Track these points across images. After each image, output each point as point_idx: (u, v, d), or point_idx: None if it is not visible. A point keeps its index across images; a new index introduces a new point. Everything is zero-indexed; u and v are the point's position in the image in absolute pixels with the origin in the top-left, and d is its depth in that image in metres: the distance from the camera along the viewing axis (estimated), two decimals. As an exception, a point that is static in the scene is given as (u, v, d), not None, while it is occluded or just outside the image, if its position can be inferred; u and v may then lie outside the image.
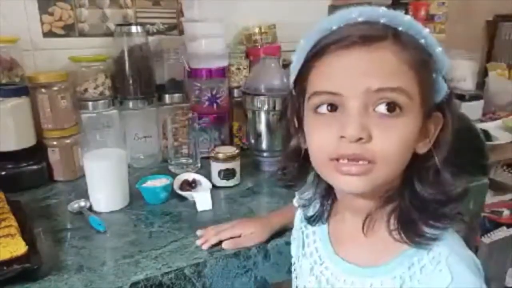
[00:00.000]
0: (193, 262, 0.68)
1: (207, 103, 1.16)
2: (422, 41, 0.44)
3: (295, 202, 0.64)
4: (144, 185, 0.92)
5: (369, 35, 0.43)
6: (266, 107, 1.09)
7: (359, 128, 0.42)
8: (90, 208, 0.87)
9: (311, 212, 0.59)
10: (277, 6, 1.39)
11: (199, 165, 1.10)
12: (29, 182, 0.98)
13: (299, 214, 0.64)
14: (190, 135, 1.09)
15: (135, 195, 0.92)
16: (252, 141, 1.14)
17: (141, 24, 1.13)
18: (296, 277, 0.61)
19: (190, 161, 1.09)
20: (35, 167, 1.00)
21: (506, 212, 1.41)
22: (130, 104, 1.13)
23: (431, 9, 1.59)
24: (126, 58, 1.10)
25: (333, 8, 1.46)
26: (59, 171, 1.03)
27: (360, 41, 0.43)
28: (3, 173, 0.95)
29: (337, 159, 0.45)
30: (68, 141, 1.04)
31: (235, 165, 0.99)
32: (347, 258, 0.52)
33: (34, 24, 1.10)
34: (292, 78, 0.52)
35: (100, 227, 0.79)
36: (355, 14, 0.44)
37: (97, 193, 0.88)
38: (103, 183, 0.87)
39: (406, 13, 1.28)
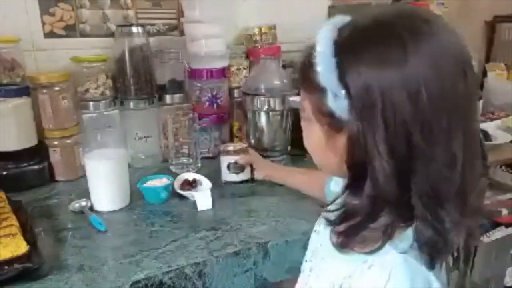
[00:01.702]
0: (194, 262, 0.69)
1: (207, 103, 1.16)
2: (314, 59, 0.44)
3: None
4: (144, 184, 0.92)
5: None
6: (266, 107, 1.09)
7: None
8: (91, 208, 0.88)
9: None
10: (277, 7, 1.39)
11: (199, 165, 1.11)
12: (30, 182, 0.99)
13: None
14: (190, 135, 1.09)
15: (135, 194, 0.92)
16: (252, 141, 1.15)
17: (142, 25, 1.13)
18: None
19: (191, 161, 1.10)
20: (36, 167, 1.00)
21: (505, 212, 1.41)
22: (131, 104, 1.13)
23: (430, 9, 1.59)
24: (127, 58, 1.10)
25: (333, 9, 1.46)
26: (60, 171, 1.04)
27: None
28: (4, 173, 0.96)
29: None
30: (69, 141, 1.04)
31: None
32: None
33: (35, 24, 1.10)
34: None
35: (101, 226, 0.80)
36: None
37: (98, 193, 0.88)
38: (104, 182, 0.87)
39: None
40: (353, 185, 0.45)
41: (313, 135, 0.49)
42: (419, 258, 0.44)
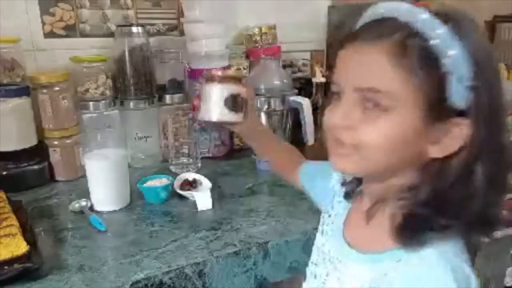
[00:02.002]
0: (194, 261, 0.69)
1: (207, 103, 1.16)
2: (435, 41, 0.42)
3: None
4: (144, 184, 0.92)
5: (375, 32, 0.44)
6: (266, 107, 1.09)
7: (343, 116, 0.46)
8: (91, 208, 0.88)
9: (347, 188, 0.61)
10: (277, 7, 1.39)
11: (199, 165, 1.11)
12: (30, 182, 0.99)
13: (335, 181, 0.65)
14: (190, 135, 1.09)
15: (135, 194, 0.92)
16: (252, 141, 1.14)
17: (142, 25, 1.13)
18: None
19: (191, 161, 1.10)
20: (36, 167, 1.00)
21: (505, 212, 1.42)
22: (131, 104, 1.13)
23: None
24: (127, 58, 1.10)
25: (333, 9, 1.46)
26: (60, 171, 1.04)
27: (366, 37, 0.45)
28: (4, 173, 0.96)
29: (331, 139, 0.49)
30: (69, 141, 1.04)
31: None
32: (349, 240, 0.54)
33: (35, 24, 1.10)
34: None
35: (101, 226, 0.80)
36: (380, 9, 0.46)
37: (98, 193, 0.88)
38: (104, 182, 0.87)
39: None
40: (430, 182, 0.45)
41: (390, 127, 0.44)
42: (459, 255, 0.45)
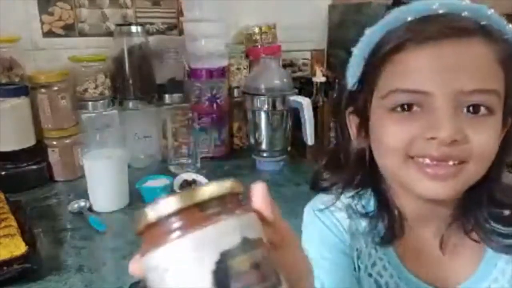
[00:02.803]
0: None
1: (207, 103, 1.16)
2: (507, 37, 0.40)
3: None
4: (144, 185, 0.92)
5: (460, 27, 0.39)
6: (266, 107, 1.09)
7: (454, 130, 0.38)
8: (90, 208, 0.87)
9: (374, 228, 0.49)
10: (277, 6, 1.39)
11: (199, 165, 1.10)
12: (29, 182, 0.98)
13: (345, 224, 0.51)
14: (190, 135, 1.09)
15: (135, 195, 0.92)
16: (252, 141, 1.14)
17: (141, 24, 1.13)
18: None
19: (190, 161, 1.09)
20: (35, 167, 0.99)
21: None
22: (130, 104, 1.13)
23: (431, 9, 1.59)
24: (126, 58, 1.10)
25: (333, 8, 1.46)
26: (59, 171, 1.03)
27: (450, 34, 0.39)
28: (3, 173, 0.95)
29: (417, 157, 0.41)
30: (68, 141, 1.03)
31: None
32: (421, 276, 0.47)
33: (34, 24, 1.10)
34: (355, 73, 0.47)
35: (100, 227, 0.79)
36: (436, 5, 0.40)
37: (97, 193, 0.88)
38: (103, 183, 0.87)
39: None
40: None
41: (496, 127, 0.41)
42: None
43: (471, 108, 0.39)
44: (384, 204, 0.48)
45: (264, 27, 1.33)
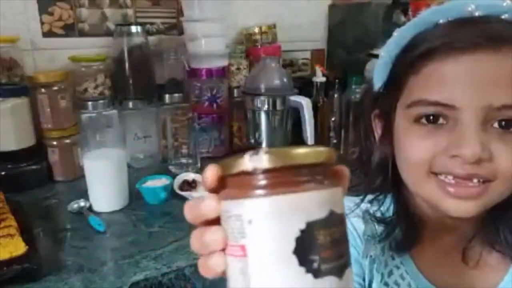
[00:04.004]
0: (193, 262, 0.68)
1: (207, 103, 1.16)
2: None
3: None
4: (144, 185, 0.92)
5: (498, 36, 0.36)
6: (266, 107, 1.09)
7: (479, 148, 0.36)
8: (90, 208, 0.87)
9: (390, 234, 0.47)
10: (277, 6, 1.39)
11: (198, 165, 1.10)
12: (28, 182, 0.98)
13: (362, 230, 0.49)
14: (190, 135, 1.08)
15: (135, 195, 0.92)
16: (252, 141, 1.14)
17: (141, 24, 1.13)
18: None
19: (190, 161, 1.09)
20: (34, 167, 0.99)
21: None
22: (130, 104, 1.12)
23: (431, 9, 1.59)
24: (126, 58, 1.10)
25: (333, 8, 1.46)
26: (58, 171, 1.03)
27: (486, 44, 0.36)
28: (2, 173, 0.95)
29: (439, 173, 0.39)
30: (67, 141, 1.03)
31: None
32: (440, 287, 0.46)
33: (34, 24, 1.10)
34: (381, 75, 0.44)
35: (99, 227, 0.79)
36: (472, 7, 0.37)
37: (97, 193, 0.88)
38: (103, 183, 0.87)
39: (406, 13, 1.29)
40: None
41: None
42: None
43: (503, 123, 0.37)
44: (404, 211, 0.46)
45: (264, 27, 1.33)
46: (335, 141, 1.19)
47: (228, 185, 0.25)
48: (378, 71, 0.45)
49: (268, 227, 0.23)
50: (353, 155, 0.53)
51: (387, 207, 0.48)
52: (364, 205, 0.48)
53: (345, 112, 1.16)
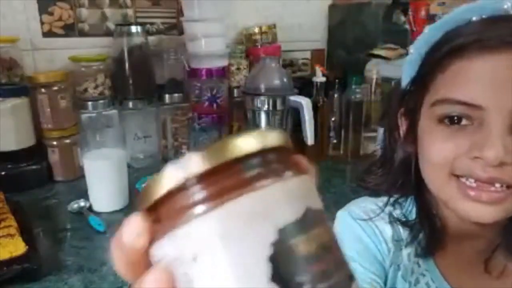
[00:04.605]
0: (193, 262, 0.68)
1: (207, 103, 1.16)
2: None
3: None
4: (144, 185, 0.92)
5: None
6: (266, 107, 1.09)
7: (503, 151, 0.35)
8: (90, 208, 0.87)
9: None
10: (277, 6, 1.39)
11: (199, 165, 1.10)
12: (28, 182, 0.98)
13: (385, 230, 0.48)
14: (190, 135, 1.08)
15: (134, 195, 0.92)
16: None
17: (141, 24, 1.13)
18: None
19: (190, 161, 1.09)
20: (34, 167, 0.99)
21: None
22: (130, 104, 1.12)
23: (431, 9, 1.58)
24: (126, 58, 1.10)
25: (333, 8, 1.46)
26: (58, 171, 1.03)
27: (501, 45, 0.35)
28: (2, 173, 0.95)
29: (461, 176, 0.38)
30: (67, 141, 1.03)
31: None
32: None
33: (34, 24, 1.10)
34: (410, 72, 0.43)
35: (99, 227, 0.79)
36: (508, 5, 0.36)
37: (97, 193, 0.88)
38: (103, 183, 0.87)
39: (406, 13, 1.29)
40: None
41: None
42: None
43: None
44: (426, 213, 0.45)
45: (264, 27, 1.33)
46: (335, 141, 1.19)
47: (154, 224, 0.18)
48: (406, 68, 0.44)
49: (223, 257, 0.15)
50: (375, 154, 0.52)
51: (410, 210, 0.47)
52: (387, 208, 0.47)
53: (345, 112, 1.16)
